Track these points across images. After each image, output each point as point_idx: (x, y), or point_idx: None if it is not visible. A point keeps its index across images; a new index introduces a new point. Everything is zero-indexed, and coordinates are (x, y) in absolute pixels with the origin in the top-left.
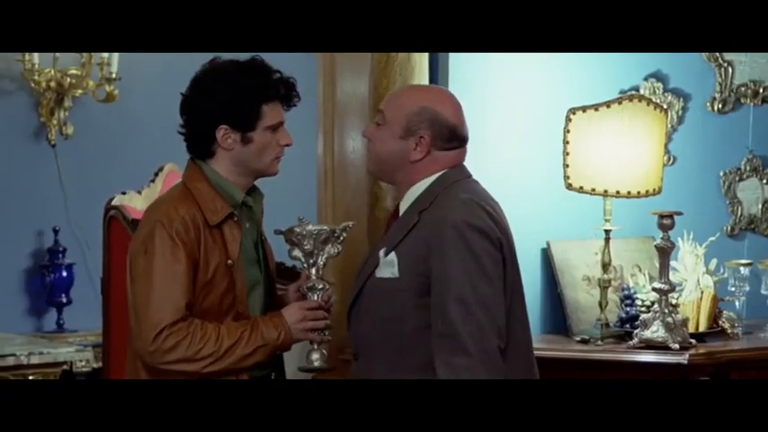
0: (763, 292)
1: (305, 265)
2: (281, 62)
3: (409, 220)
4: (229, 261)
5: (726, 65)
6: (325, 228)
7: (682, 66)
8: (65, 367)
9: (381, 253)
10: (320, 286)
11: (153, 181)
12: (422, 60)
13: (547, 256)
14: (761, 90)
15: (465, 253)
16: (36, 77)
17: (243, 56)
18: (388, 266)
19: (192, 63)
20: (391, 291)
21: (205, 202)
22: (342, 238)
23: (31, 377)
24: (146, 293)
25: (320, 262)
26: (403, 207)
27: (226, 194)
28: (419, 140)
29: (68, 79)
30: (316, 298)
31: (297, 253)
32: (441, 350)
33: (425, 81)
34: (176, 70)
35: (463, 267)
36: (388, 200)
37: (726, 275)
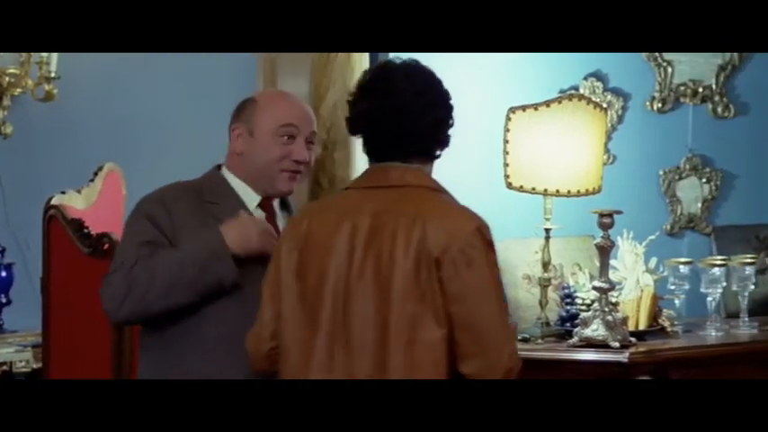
0: (702, 290)
1: None
2: (223, 63)
3: None
4: None
5: (665, 64)
6: None
7: (621, 65)
8: (4, 368)
9: None
10: None
11: (92, 180)
12: (362, 60)
13: None
14: (700, 89)
15: None
16: None
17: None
18: None
19: (132, 62)
20: None
21: None
22: None
23: None
24: None
25: None
26: None
27: None
28: None
29: (7, 78)
30: None
31: None
32: None
33: None
34: (116, 70)
35: None
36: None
37: (665, 274)
